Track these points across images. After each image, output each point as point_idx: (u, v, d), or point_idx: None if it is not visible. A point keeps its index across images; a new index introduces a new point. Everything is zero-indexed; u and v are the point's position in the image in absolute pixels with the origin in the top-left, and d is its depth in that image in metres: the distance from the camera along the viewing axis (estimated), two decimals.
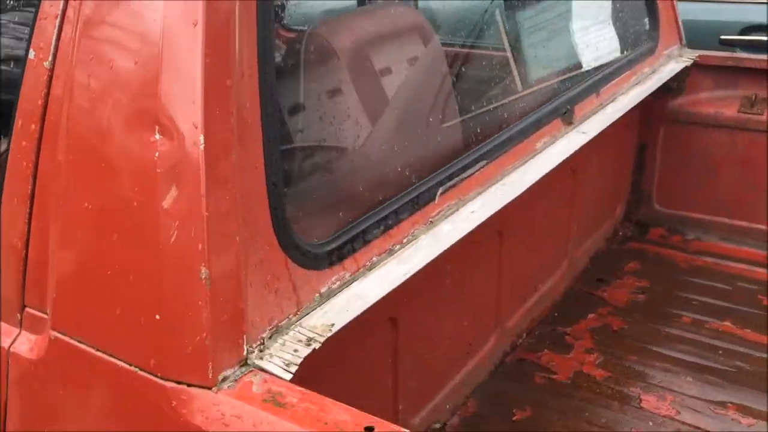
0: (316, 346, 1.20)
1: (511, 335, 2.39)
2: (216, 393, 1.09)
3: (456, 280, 2.00)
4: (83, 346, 1.21)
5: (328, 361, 1.57)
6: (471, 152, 1.74)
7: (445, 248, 1.52)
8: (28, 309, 1.30)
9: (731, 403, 2.13)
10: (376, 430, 1.02)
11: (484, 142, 1.80)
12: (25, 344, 1.30)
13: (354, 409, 1.06)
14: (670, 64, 2.71)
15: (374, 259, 1.43)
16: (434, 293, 1.91)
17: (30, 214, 1.26)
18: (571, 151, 1.99)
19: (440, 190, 1.60)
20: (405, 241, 1.50)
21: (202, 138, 1.08)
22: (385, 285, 1.38)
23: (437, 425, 2.05)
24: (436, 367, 2.03)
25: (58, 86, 1.23)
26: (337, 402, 1.08)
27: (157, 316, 1.12)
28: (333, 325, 1.25)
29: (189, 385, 1.10)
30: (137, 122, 1.12)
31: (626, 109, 2.32)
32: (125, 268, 1.15)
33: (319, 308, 1.29)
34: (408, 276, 1.42)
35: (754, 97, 2.78)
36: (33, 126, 1.25)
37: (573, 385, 2.23)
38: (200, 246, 1.08)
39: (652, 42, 2.67)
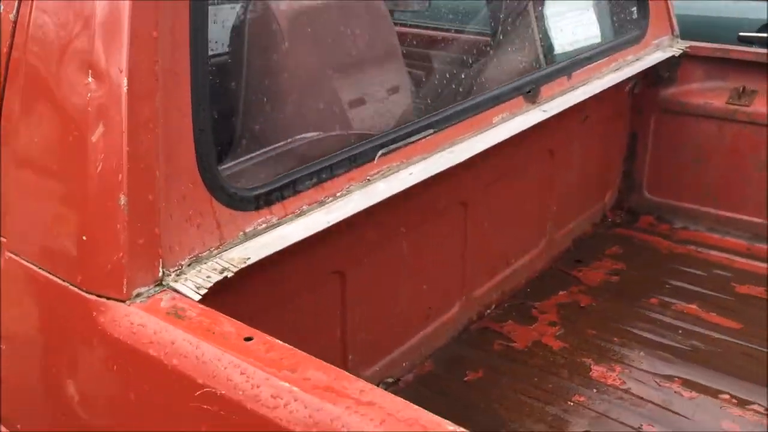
0: (229, 275, 1.35)
1: (479, 305, 2.50)
2: (128, 306, 1.25)
3: (414, 245, 2.12)
4: (30, 265, 1.39)
5: (275, 307, 1.72)
6: (419, 120, 1.86)
7: (374, 203, 1.64)
8: None
9: (678, 377, 2.21)
10: (254, 339, 1.16)
11: (434, 112, 1.91)
12: None
13: (240, 323, 1.20)
14: (657, 54, 2.78)
15: (304, 207, 1.57)
16: (388, 254, 2.04)
17: None
18: (525, 127, 2.09)
19: (380, 152, 1.73)
20: (338, 195, 1.64)
21: (125, 82, 1.23)
22: (308, 230, 1.52)
23: (390, 379, 2.18)
24: (393, 325, 2.16)
25: (20, 35, 1.40)
26: (231, 319, 1.22)
27: (84, 237, 1.28)
28: (249, 258, 1.40)
29: (107, 299, 1.26)
30: (75, 67, 1.29)
31: (595, 92, 2.40)
32: (61, 195, 1.32)
33: (241, 245, 1.44)
34: (331, 224, 1.55)
35: (741, 88, 2.82)
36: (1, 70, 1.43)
37: (529, 353, 2.33)
38: (120, 177, 1.24)
39: (639, 31, 2.74)
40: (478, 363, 2.28)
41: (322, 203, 1.60)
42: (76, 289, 1.29)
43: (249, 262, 1.39)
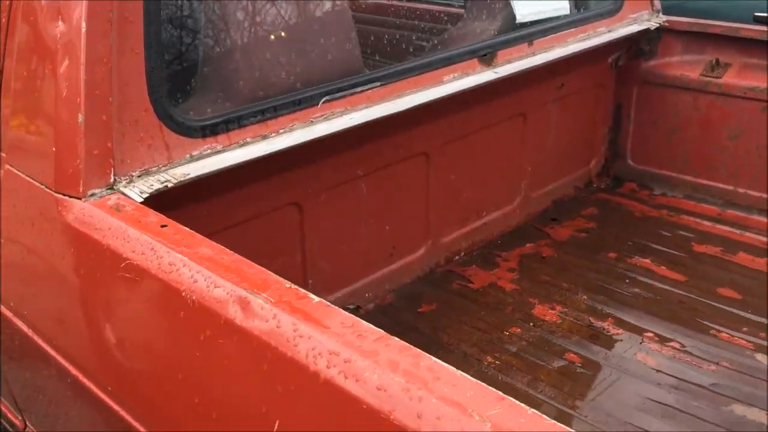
0: (169, 185, 1.68)
1: (446, 251, 2.77)
2: (83, 202, 1.59)
3: (373, 188, 2.41)
4: (20, 174, 1.75)
5: (237, 227, 2.05)
6: (367, 74, 2.15)
7: (311, 138, 1.93)
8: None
9: (612, 317, 2.43)
10: (168, 227, 1.48)
11: (384, 67, 2.19)
12: None
13: (163, 216, 1.52)
14: (631, 26, 2.97)
15: (248, 139, 1.88)
16: (346, 193, 2.33)
17: None
18: (471, 86, 2.33)
19: (325, 98, 2.03)
20: (281, 131, 1.94)
21: (84, 25, 1.57)
22: (247, 156, 1.83)
23: (351, 306, 2.48)
24: (355, 258, 2.45)
25: None
26: (157, 213, 1.54)
27: (54, 149, 1.63)
28: (189, 174, 1.72)
29: (69, 197, 1.61)
30: (52, 16, 1.63)
31: (554, 58, 2.61)
32: (41, 116, 1.67)
33: (186, 165, 1.76)
34: (268, 153, 1.86)
35: (715, 61, 2.99)
36: (3, 20, 1.80)
37: (482, 293, 2.59)
38: (79, 100, 1.58)
39: (614, 5, 2.94)
40: (434, 298, 2.56)
41: (265, 137, 1.91)
42: (49, 191, 1.64)
43: (188, 177, 1.71)
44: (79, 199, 1.60)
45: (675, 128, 3.13)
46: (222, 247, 1.40)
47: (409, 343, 1.09)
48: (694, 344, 2.28)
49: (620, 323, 2.40)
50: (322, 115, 2.03)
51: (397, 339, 1.11)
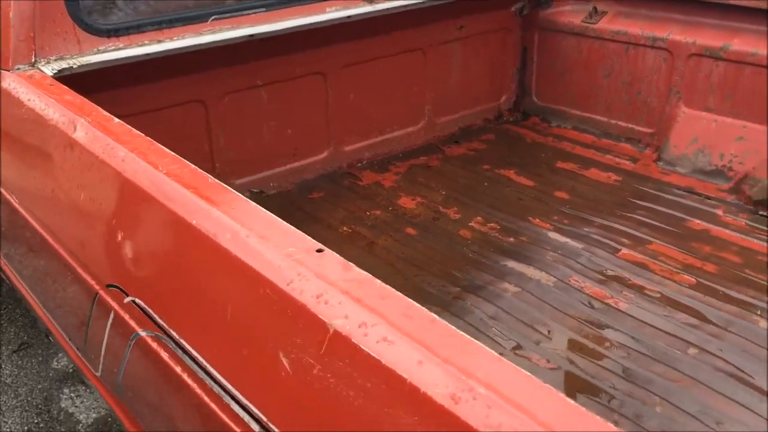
0: (75, 65, 2.38)
1: (349, 158, 3.40)
2: (10, 72, 2.31)
3: (273, 97, 3.06)
4: None
5: (149, 113, 2.74)
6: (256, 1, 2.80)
7: (197, 44, 2.60)
8: None
9: (457, 206, 3.02)
10: (71, 97, 2.18)
11: None
12: None
13: (69, 89, 2.22)
14: None
15: (146, 42, 2.57)
16: (247, 98, 2.99)
17: None
18: (345, 15, 2.95)
19: (213, 17, 2.70)
20: (174, 38, 2.62)
21: None
22: (141, 53, 2.52)
23: (255, 190, 3.15)
24: (259, 153, 3.11)
25: None
26: (63, 86, 2.24)
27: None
28: (91, 62, 2.42)
29: (2, 70, 2.33)
30: None
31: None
32: None
33: (93, 55, 2.47)
34: (160, 51, 2.53)
35: (593, 9, 3.50)
36: None
37: (364, 187, 3.22)
38: (9, 6, 2.30)
39: None
40: (325, 189, 3.20)
41: (160, 41, 2.60)
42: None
43: (90, 61, 2.41)
44: (8, 71, 2.32)
45: (566, 69, 3.66)
46: (104, 113, 2.07)
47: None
48: (508, 225, 2.85)
49: (461, 211, 2.98)
50: (210, 30, 2.70)
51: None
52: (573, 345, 2.16)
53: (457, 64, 3.63)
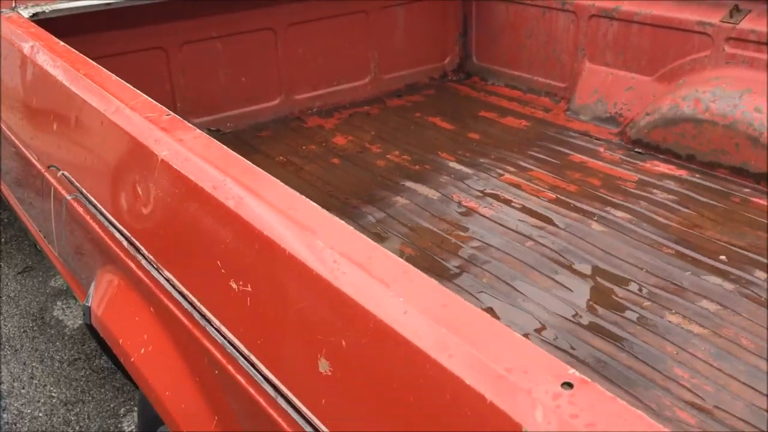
0: (47, 9, 2.92)
1: (300, 105, 3.91)
2: None
3: (227, 48, 3.58)
4: None
5: (116, 57, 3.28)
6: None
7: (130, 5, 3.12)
8: None
9: (379, 144, 3.51)
10: (42, 40, 2.73)
11: None
12: None
13: (47, 33, 2.76)
14: None
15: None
16: (203, 48, 3.52)
17: None
18: None
19: None
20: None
21: None
22: (104, 2, 3.05)
23: (213, 129, 3.68)
24: (216, 96, 3.63)
25: None
26: (39, 27, 2.79)
27: None
28: (59, 9, 2.96)
29: None
30: None
31: None
32: None
33: (65, 3, 3.00)
34: (122, 2, 3.06)
35: None
36: None
37: (307, 128, 3.72)
38: None
39: None
40: (273, 129, 3.72)
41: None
42: None
43: (61, 7, 2.95)
44: None
45: (498, 33, 4.12)
46: (72, 52, 2.60)
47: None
48: (419, 157, 3.33)
49: (383, 147, 3.47)
50: None
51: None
52: (437, 238, 2.64)
53: (401, 27, 4.11)
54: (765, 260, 2.39)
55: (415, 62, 4.24)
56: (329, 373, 1.14)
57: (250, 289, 1.32)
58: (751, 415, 1.80)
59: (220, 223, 1.40)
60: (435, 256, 2.52)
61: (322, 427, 1.16)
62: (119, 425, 2.86)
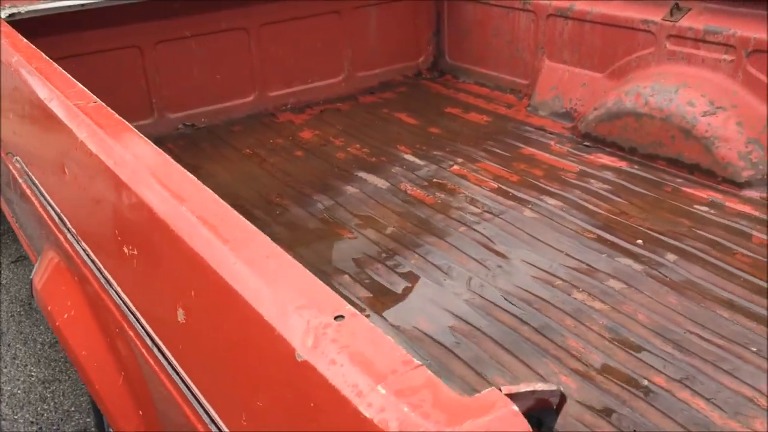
0: (23, 10, 3.13)
1: (274, 102, 4.08)
2: None
3: (201, 46, 3.77)
4: None
5: (93, 55, 3.49)
6: None
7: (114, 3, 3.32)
8: None
9: (343, 138, 3.68)
10: (12, 39, 2.94)
11: None
12: None
13: (12, 28, 2.97)
14: None
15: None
16: (179, 46, 3.71)
17: None
18: None
19: None
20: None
21: None
22: (78, 3, 3.25)
23: (188, 123, 3.87)
24: (190, 93, 3.82)
25: None
26: (11, 27, 3.00)
27: None
28: (37, 10, 3.17)
29: None
30: None
31: None
32: None
33: (40, 4, 3.21)
34: (96, 3, 3.26)
35: None
36: None
37: (279, 125, 3.90)
38: None
39: None
40: (245, 125, 3.90)
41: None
42: None
43: (37, 8, 3.16)
44: None
45: (467, 32, 4.27)
46: (31, 48, 2.81)
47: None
48: (377, 150, 3.48)
49: (346, 141, 3.64)
50: None
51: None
52: (375, 224, 2.80)
53: (374, 26, 4.27)
54: (679, 244, 2.52)
55: (389, 61, 4.40)
56: (184, 321, 1.31)
57: (136, 252, 1.50)
58: (630, 381, 1.94)
59: (117, 196, 1.58)
60: (371, 240, 2.68)
61: (180, 369, 1.33)
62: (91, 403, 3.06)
